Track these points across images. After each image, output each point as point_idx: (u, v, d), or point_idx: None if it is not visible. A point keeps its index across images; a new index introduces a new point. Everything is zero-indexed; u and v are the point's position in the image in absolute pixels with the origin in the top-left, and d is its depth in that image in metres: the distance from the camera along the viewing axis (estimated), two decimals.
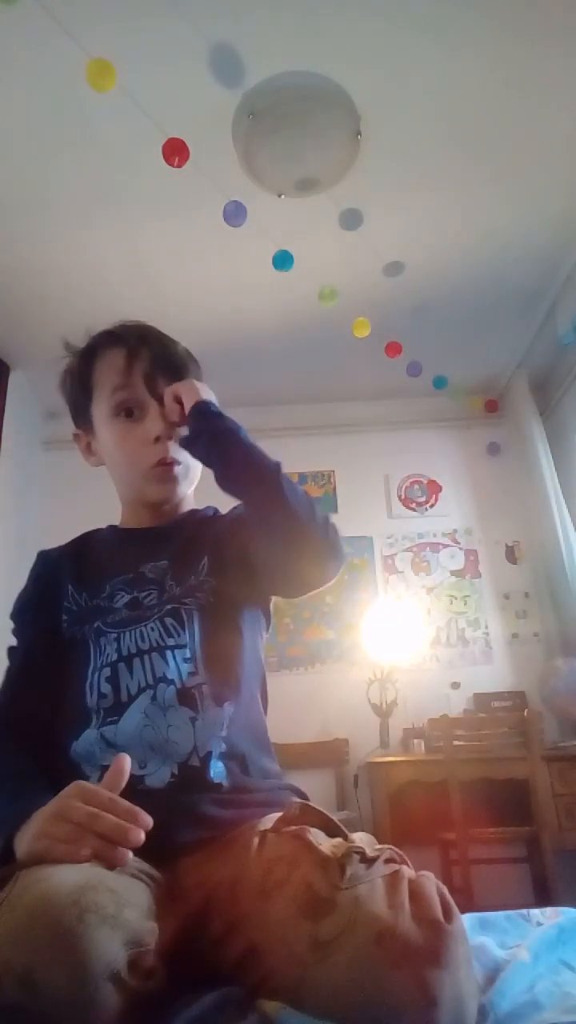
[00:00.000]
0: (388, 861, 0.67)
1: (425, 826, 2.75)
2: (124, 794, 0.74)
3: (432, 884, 0.64)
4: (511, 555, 3.71)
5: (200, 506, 1.11)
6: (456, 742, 2.62)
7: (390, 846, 0.69)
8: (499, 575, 3.68)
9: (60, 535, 1.13)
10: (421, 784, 2.77)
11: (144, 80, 2.01)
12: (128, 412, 1.00)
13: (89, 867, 0.62)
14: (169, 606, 0.93)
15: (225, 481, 0.92)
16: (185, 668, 0.88)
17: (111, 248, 2.72)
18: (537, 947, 0.77)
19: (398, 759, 2.99)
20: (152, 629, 0.91)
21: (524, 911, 0.96)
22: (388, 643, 3.40)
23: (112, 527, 1.11)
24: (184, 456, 1.00)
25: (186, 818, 0.78)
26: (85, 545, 1.08)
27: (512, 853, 2.89)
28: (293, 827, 0.72)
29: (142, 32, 1.94)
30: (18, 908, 0.56)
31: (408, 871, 0.66)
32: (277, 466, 0.91)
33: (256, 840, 0.74)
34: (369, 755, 3.08)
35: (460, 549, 3.74)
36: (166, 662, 0.88)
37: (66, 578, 1.00)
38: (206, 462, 0.96)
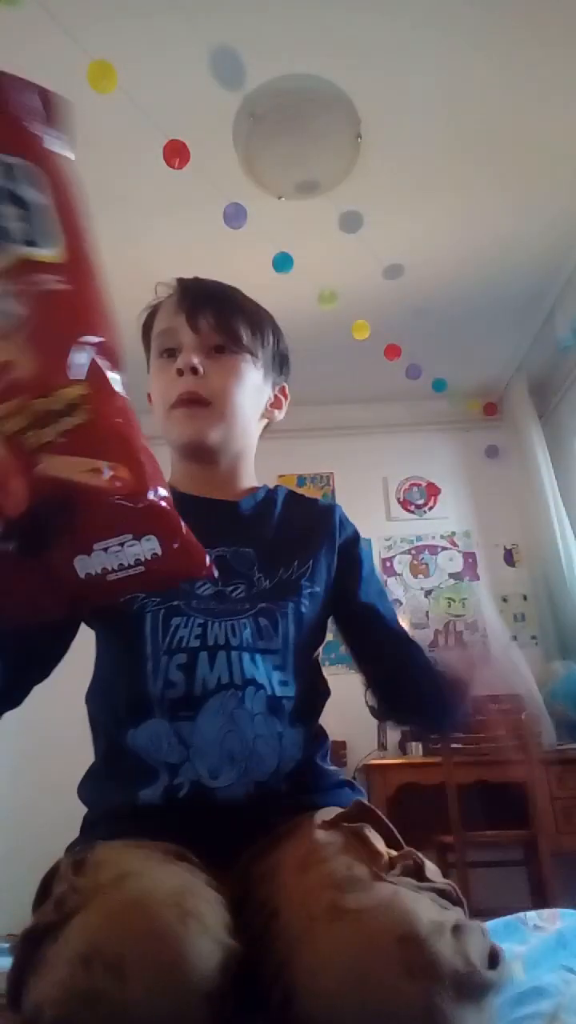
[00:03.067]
0: (444, 894, 0.59)
1: (422, 829, 2.75)
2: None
3: (484, 931, 0.57)
4: (509, 558, 3.72)
5: (259, 483, 1.01)
6: (453, 745, 2.62)
7: (451, 883, 0.62)
8: (497, 578, 3.68)
9: None
10: (419, 787, 2.77)
11: (145, 82, 2.01)
12: (169, 351, 0.94)
13: (184, 872, 0.60)
14: (262, 604, 0.85)
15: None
16: (276, 676, 0.82)
17: (111, 249, 2.71)
18: (535, 957, 0.77)
19: (396, 762, 2.99)
20: (245, 626, 0.83)
21: (521, 915, 0.96)
22: None
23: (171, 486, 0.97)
24: (220, 396, 0.90)
25: (254, 830, 0.74)
26: None
27: (509, 856, 2.89)
28: (352, 824, 0.68)
29: (143, 34, 1.94)
30: (114, 897, 0.54)
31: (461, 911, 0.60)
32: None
33: (311, 830, 0.70)
34: (367, 757, 3.08)
35: (458, 552, 3.74)
36: (256, 665, 0.81)
37: None
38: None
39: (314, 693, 0.90)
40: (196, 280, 1.00)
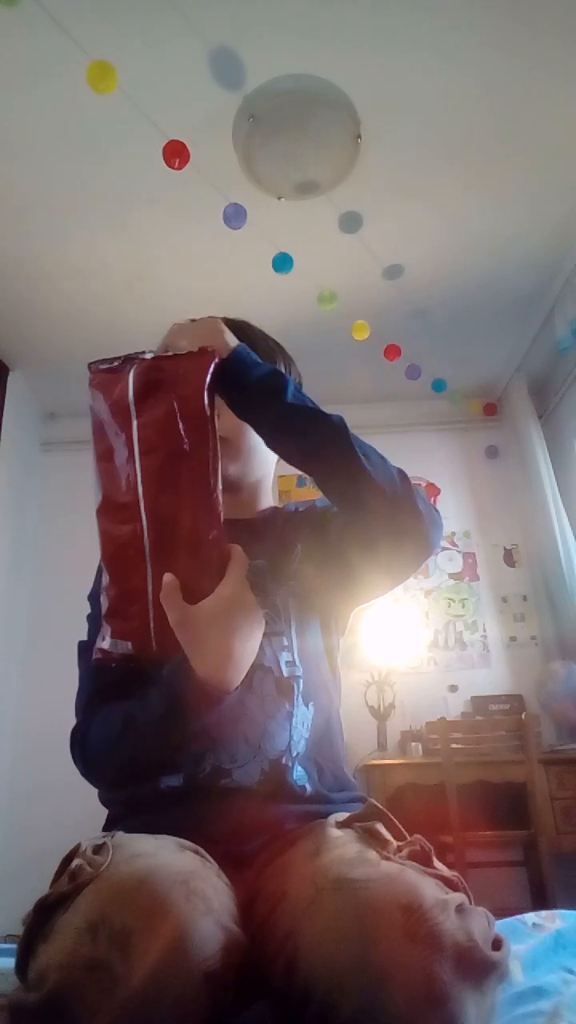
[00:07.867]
0: (450, 883, 0.60)
1: (422, 829, 2.74)
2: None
3: (488, 917, 0.58)
4: (509, 558, 3.71)
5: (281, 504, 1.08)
6: (453, 745, 2.62)
7: (457, 874, 0.62)
8: (497, 578, 3.68)
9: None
10: (418, 787, 2.77)
11: (145, 82, 2.01)
12: None
13: (193, 857, 0.62)
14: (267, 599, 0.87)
15: (275, 447, 0.85)
16: (284, 657, 0.85)
17: (111, 250, 2.72)
18: (533, 957, 0.77)
19: (395, 762, 2.99)
20: None
21: (520, 916, 0.96)
22: (386, 646, 3.40)
23: None
24: (234, 431, 0.92)
25: (266, 828, 0.76)
26: None
27: (509, 856, 2.88)
28: (364, 823, 0.69)
29: (143, 34, 1.94)
30: (124, 872, 0.56)
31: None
32: (340, 426, 0.80)
33: (325, 828, 0.71)
34: (366, 758, 3.08)
35: (458, 552, 3.74)
36: (263, 651, 0.83)
37: None
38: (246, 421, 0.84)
39: (325, 672, 0.91)
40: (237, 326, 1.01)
